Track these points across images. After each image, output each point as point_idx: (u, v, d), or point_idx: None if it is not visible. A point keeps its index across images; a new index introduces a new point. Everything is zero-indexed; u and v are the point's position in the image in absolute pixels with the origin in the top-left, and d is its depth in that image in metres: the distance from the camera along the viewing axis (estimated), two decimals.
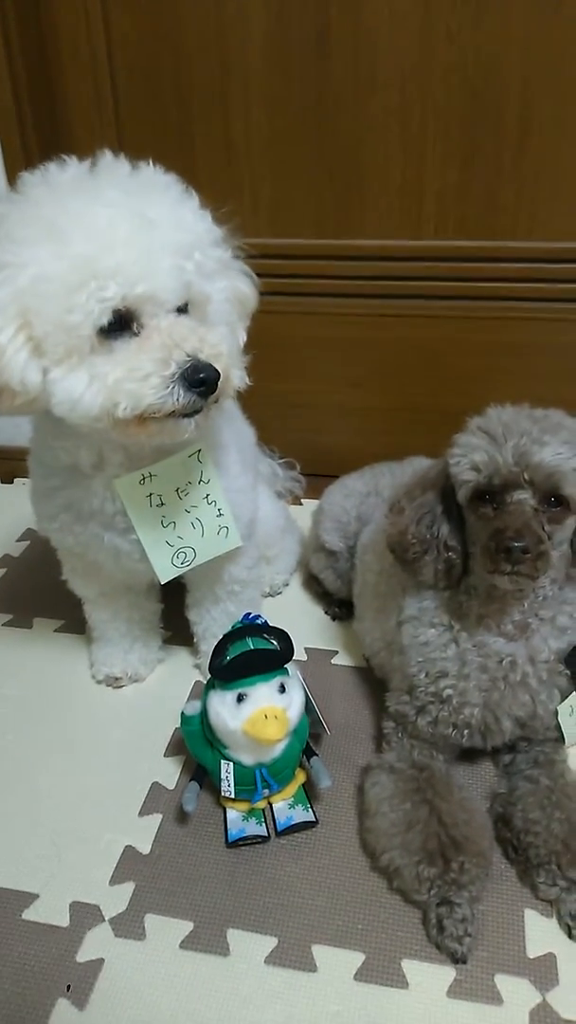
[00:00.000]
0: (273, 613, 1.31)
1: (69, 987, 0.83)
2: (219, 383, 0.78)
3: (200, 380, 0.76)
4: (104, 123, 1.48)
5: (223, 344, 0.82)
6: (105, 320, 0.76)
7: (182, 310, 0.82)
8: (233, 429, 1.10)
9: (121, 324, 0.77)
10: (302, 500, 1.63)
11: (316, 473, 1.63)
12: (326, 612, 1.36)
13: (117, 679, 1.20)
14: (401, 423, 1.61)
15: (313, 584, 1.39)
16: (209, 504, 1.00)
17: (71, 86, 1.45)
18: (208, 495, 1.00)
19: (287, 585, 1.43)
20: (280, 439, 1.62)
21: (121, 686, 1.20)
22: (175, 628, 1.26)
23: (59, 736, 1.13)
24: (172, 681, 1.22)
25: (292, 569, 1.43)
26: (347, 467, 1.37)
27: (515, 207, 1.40)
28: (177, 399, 0.77)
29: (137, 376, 0.76)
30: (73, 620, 1.28)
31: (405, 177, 1.42)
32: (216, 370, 0.78)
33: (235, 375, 0.84)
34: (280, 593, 1.42)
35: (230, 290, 0.87)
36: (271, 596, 1.40)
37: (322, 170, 1.44)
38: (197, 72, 1.40)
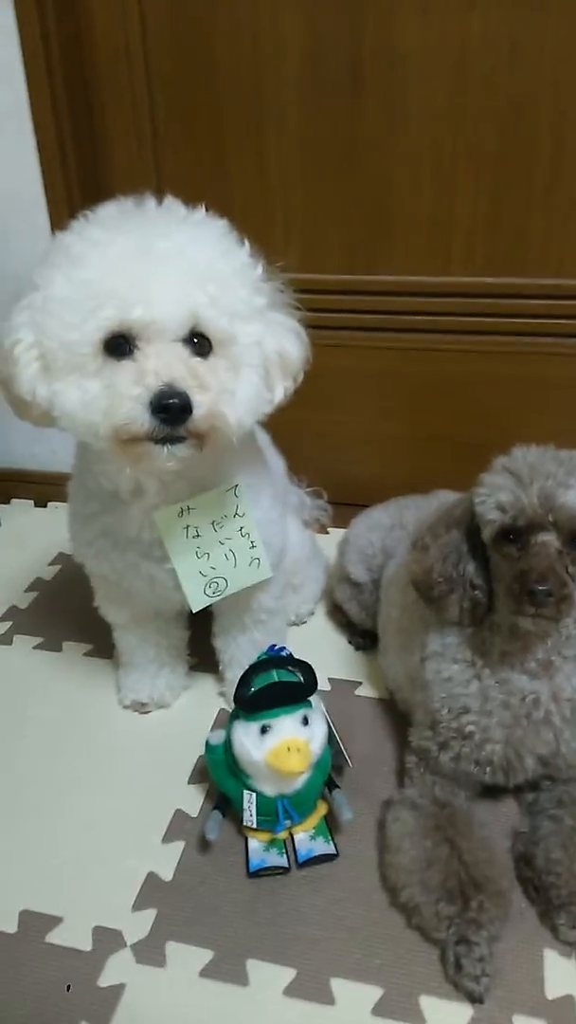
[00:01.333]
0: (297, 642, 1.34)
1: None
2: (194, 417, 0.78)
3: (163, 407, 0.77)
4: (143, 160, 1.52)
5: (228, 384, 0.83)
6: (99, 338, 0.79)
7: (199, 343, 0.82)
8: (266, 462, 1.12)
9: (120, 347, 0.80)
10: (328, 529, 1.64)
11: (342, 502, 1.64)
12: (350, 642, 1.37)
13: (143, 705, 1.22)
14: (427, 454, 1.62)
15: (337, 614, 1.40)
16: (243, 536, 1.03)
17: (112, 125, 1.50)
18: (242, 527, 1.02)
19: (312, 614, 1.44)
20: (307, 468, 1.64)
21: (147, 712, 1.22)
22: (201, 655, 1.28)
23: (85, 760, 1.15)
24: (197, 708, 1.24)
25: (317, 598, 1.44)
26: (373, 496, 1.39)
27: (544, 243, 1.42)
28: (143, 423, 0.77)
29: (110, 394, 0.78)
30: (102, 645, 1.31)
31: (435, 214, 1.44)
32: (183, 400, 0.77)
33: (231, 417, 0.83)
34: (305, 622, 1.43)
35: (271, 344, 0.88)
36: (296, 625, 1.42)
37: (353, 206, 1.47)
38: (232, 109, 1.44)
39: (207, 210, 0.89)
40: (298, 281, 1.53)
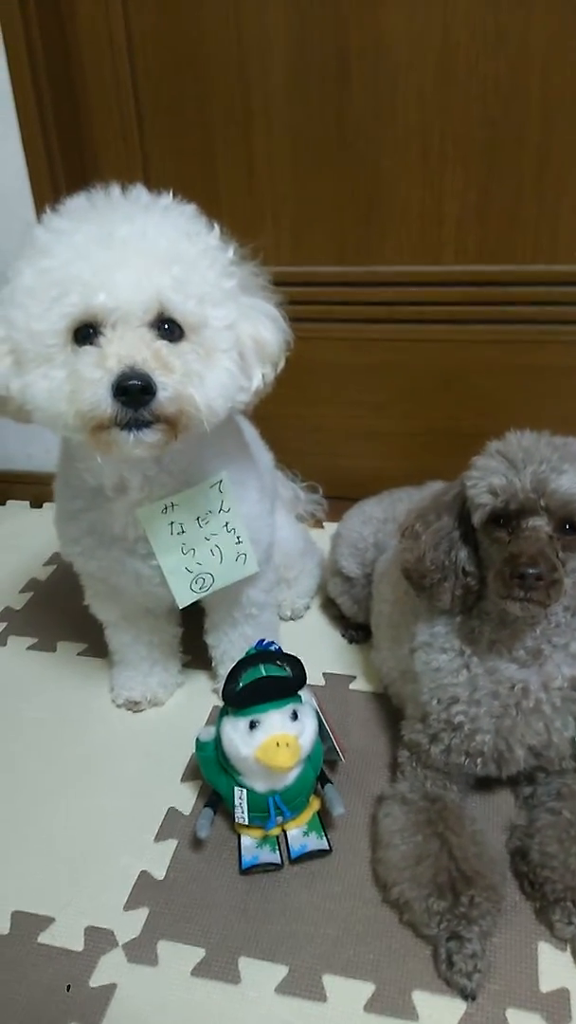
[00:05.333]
0: (292, 637, 1.33)
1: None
2: (159, 399, 0.77)
3: (123, 388, 0.75)
4: (130, 154, 1.52)
5: (195, 367, 0.81)
6: (64, 327, 0.78)
7: (169, 328, 0.81)
8: (252, 456, 1.11)
9: (88, 335, 0.79)
10: (324, 523, 1.63)
11: (338, 496, 1.63)
12: (343, 635, 1.36)
13: (136, 703, 1.21)
14: (422, 446, 1.61)
15: (331, 607, 1.39)
16: (228, 532, 1.02)
17: (97, 116, 1.49)
18: (228, 523, 1.01)
19: (308, 608, 1.43)
20: (302, 463, 1.63)
21: (140, 710, 1.22)
22: (194, 652, 1.28)
23: (79, 760, 1.15)
24: (191, 705, 1.23)
25: (312, 592, 1.44)
26: (369, 490, 1.38)
27: (536, 231, 1.41)
28: (106, 407, 0.76)
29: (73, 380, 0.78)
30: (96, 644, 1.30)
31: (425, 203, 1.43)
32: (145, 380, 0.75)
33: (199, 400, 0.81)
34: (301, 617, 1.42)
35: (245, 329, 0.87)
36: (292, 620, 1.41)
37: (342, 197, 1.45)
38: (219, 101, 1.43)
39: (191, 202, 0.88)
40: (288, 274, 1.54)
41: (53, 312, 0.78)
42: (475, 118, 1.34)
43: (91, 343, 0.78)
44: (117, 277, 0.77)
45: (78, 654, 1.35)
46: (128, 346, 0.76)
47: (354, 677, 1.27)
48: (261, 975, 0.87)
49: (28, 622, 1.43)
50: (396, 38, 1.31)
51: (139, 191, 0.86)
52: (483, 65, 1.30)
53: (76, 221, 0.81)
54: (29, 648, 1.37)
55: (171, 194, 0.87)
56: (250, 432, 1.17)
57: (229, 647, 1.19)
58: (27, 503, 1.81)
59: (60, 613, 1.43)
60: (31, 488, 1.79)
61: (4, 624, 1.43)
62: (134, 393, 0.75)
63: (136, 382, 0.75)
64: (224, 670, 1.20)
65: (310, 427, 1.66)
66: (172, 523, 0.97)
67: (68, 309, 0.77)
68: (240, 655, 1.07)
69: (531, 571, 0.81)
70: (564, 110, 1.30)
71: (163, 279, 0.79)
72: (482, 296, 1.47)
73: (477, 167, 1.38)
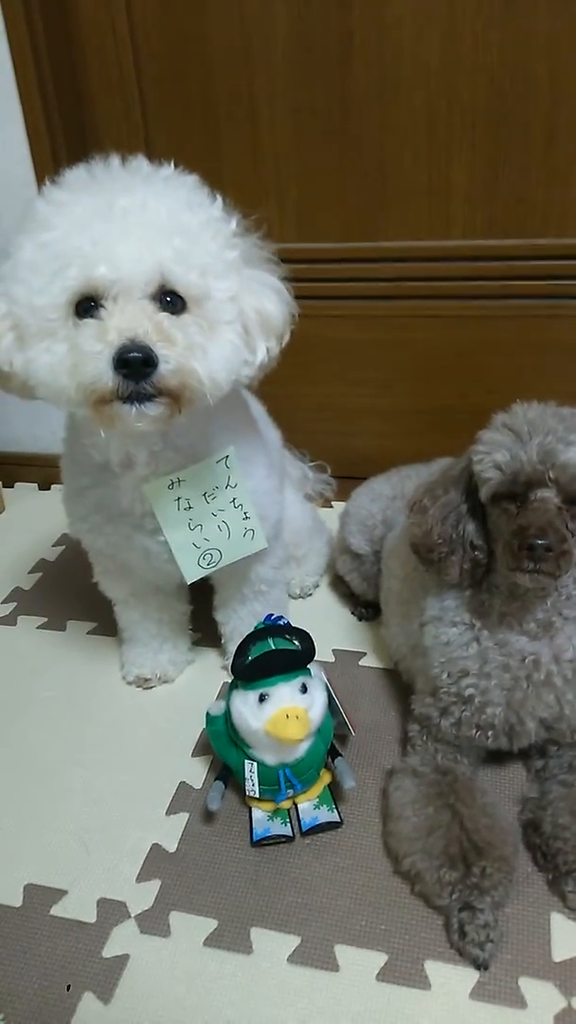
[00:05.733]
0: (302, 614, 1.33)
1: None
2: (160, 372, 0.76)
3: (124, 361, 0.74)
4: (133, 133, 1.50)
5: (198, 339, 0.80)
6: (65, 300, 0.78)
7: (172, 301, 0.80)
8: (260, 432, 1.11)
9: (90, 309, 0.78)
10: (332, 503, 1.63)
11: (347, 475, 1.63)
12: (353, 612, 1.36)
13: (147, 680, 1.21)
14: (431, 424, 1.60)
15: (340, 585, 1.39)
16: (236, 508, 1.02)
17: (99, 98, 1.48)
18: (235, 499, 1.01)
19: (317, 587, 1.43)
20: (310, 442, 1.63)
21: (151, 687, 1.22)
22: (204, 630, 1.28)
23: (90, 736, 1.15)
24: (201, 682, 1.23)
25: (321, 570, 1.43)
26: (378, 469, 1.37)
27: (545, 204, 1.39)
28: (107, 380, 0.76)
29: (74, 354, 0.77)
30: (105, 623, 1.31)
31: (431, 177, 1.41)
32: (146, 352, 0.74)
33: (202, 373, 0.80)
34: (311, 595, 1.42)
35: (249, 301, 0.86)
36: (301, 598, 1.41)
37: (348, 172, 1.44)
38: (222, 79, 1.42)
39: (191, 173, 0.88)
40: (293, 251, 1.52)
41: (54, 286, 0.77)
42: (481, 88, 1.32)
43: (93, 316, 0.78)
44: (118, 249, 0.76)
45: (87, 633, 1.35)
46: (129, 319, 0.76)
47: (364, 653, 1.27)
48: (273, 945, 0.87)
49: (38, 602, 1.43)
50: (401, 9, 1.29)
51: (140, 162, 0.85)
52: (488, 35, 1.28)
53: (76, 193, 0.80)
54: (39, 627, 1.37)
55: (172, 164, 0.86)
56: (257, 409, 1.16)
57: (239, 624, 1.19)
58: (35, 485, 1.81)
59: (69, 593, 1.43)
60: (39, 470, 1.79)
61: (14, 604, 1.43)
62: (135, 366, 0.75)
63: (137, 354, 0.74)
64: (234, 647, 1.20)
65: (318, 406, 1.65)
66: (179, 499, 0.97)
67: (69, 282, 0.77)
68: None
69: (540, 542, 0.80)
70: (571, 78, 1.28)
71: (165, 251, 0.78)
72: (490, 271, 1.45)
73: (485, 140, 1.36)
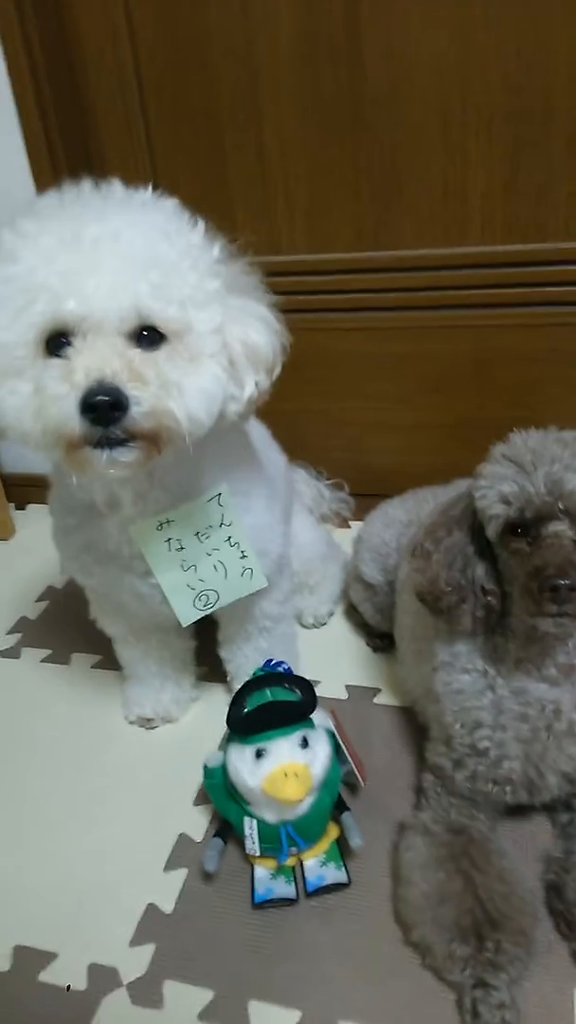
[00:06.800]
0: (314, 646, 1.27)
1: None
2: (132, 415, 0.70)
3: (90, 405, 0.69)
4: (136, 143, 1.45)
5: (172, 376, 0.74)
6: (33, 337, 0.72)
7: (148, 336, 0.74)
8: (259, 462, 1.04)
9: (59, 344, 0.72)
10: (350, 523, 1.56)
11: (365, 493, 1.56)
12: (367, 644, 1.29)
13: (149, 720, 1.16)
14: (451, 439, 1.52)
15: (355, 613, 1.32)
16: (232, 546, 0.96)
17: (100, 108, 1.43)
18: (230, 537, 0.95)
19: (331, 615, 1.37)
20: (325, 459, 1.56)
21: (153, 727, 1.17)
22: (211, 665, 1.22)
23: (90, 782, 1.10)
24: (206, 722, 1.18)
25: (336, 598, 1.37)
26: (396, 486, 1.31)
27: (568, 205, 1.30)
28: (74, 425, 0.70)
29: (39, 396, 0.71)
30: (110, 656, 1.25)
31: (447, 179, 1.33)
32: (114, 396, 0.69)
33: (179, 413, 0.74)
34: (325, 624, 1.35)
35: (234, 332, 0.79)
36: (315, 627, 1.35)
37: (359, 177, 1.37)
38: (225, 83, 1.35)
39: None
40: (304, 263, 1.46)
41: (20, 322, 0.72)
42: (497, 83, 1.24)
43: (61, 355, 0.72)
44: (88, 282, 0.70)
45: (92, 666, 1.30)
46: (97, 357, 0.70)
47: (379, 690, 1.20)
48: (272, 1021, 0.81)
49: (43, 633, 1.39)
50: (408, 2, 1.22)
51: (114, 186, 0.79)
52: (504, 22, 1.20)
53: (44, 221, 0.74)
54: (43, 660, 1.33)
55: (152, 188, 0.80)
56: (260, 434, 1.10)
57: (244, 662, 1.13)
58: (47, 507, 1.77)
59: (75, 623, 1.38)
60: (46, 492, 1.74)
61: (19, 635, 1.39)
62: (103, 410, 0.69)
63: (104, 398, 0.68)
64: (239, 685, 1.14)
65: (333, 422, 1.58)
66: (169, 539, 0.91)
67: (35, 318, 0.71)
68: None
69: (563, 583, 0.73)
70: None
71: (140, 286, 0.72)
72: (512, 278, 1.37)
73: (503, 138, 1.28)
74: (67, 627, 1.39)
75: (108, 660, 1.28)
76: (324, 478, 1.56)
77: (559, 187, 1.29)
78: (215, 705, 1.21)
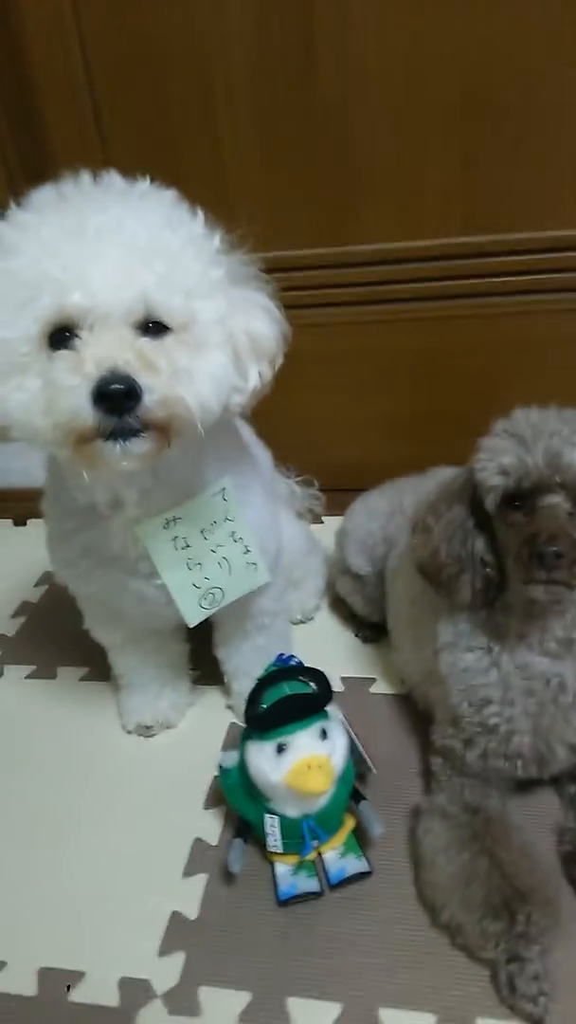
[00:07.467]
0: (303, 641, 1.27)
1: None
2: (145, 403, 0.69)
3: (104, 394, 0.67)
4: (89, 151, 1.42)
5: (183, 364, 0.73)
6: (37, 332, 0.70)
7: (154, 327, 0.73)
8: (253, 457, 1.04)
9: (66, 340, 0.71)
10: (323, 518, 1.57)
11: (334, 488, 1.57)
12: (357, 635, 1.30)
13: (148, 728, 1.15)
14: (422, 431, 1.54)
15: (341, 606, 1.33)
16: (236, 541, 0.95)
17: (52, 116, 1.40)
18: (234, 532, 0.95)
19: (318, 609, 1.37)
20: (294, 456, 1.56)
21: (153, 735, 1.15)
22: (204, 667, 1.21)
23: (93, 795, 1.08)
24: (205, 725, 1.17)
25: (321, 592, 1.37)
26: (365, 480, 1.32)
27: (524, 196, 1.34)
28: (87, 417, 0.68)
29: (49, 390, 0.70)
30: (98, 667, 1.23)
31: (403, 175, 1.35)
32: (128, 384, 0.68)
33: (190, 400, 0.73)
34: (312, 619, 1.36)
35: (237, 322, 0.79)
36: (303, 623, 1.35)
37: (316, 177, 1.38)
38: (179, 90, 1.34)
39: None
40: (263, 260, 1.46)
41: (24, 317, 0.70)
42: (450, 80, 1.26)
43: (67, 347, 0.70)
44: (93, 273, 0.69)
45: (80, 679, 1.28)
46: (107, 347, 0.68)
47: (374, 679, 1.21)
48: (314, 1016, 0.81)
49: (24, 649, 1.36)
50: (362, 4, 1.23)
51: (112, 177, 0.78)
52: (456, 24, 1.22)
53: (43, 214, 0.72)
54: (27, 677, 1.30)
55: (148, 179, 0.79)
56: (247, 432, 1.10)
57: (242, 661, 1.13)
58: (10, 522, 1.73)
59: (57, 636, 1.36)
60: (14, 505, 1.70)
61: None
62: (117, 399, 0.67)
63: (119, 386, 0.67)
64: (239, 685, 1.14)
65: (300, 418, 1.58)
66: (175, 538, 0.90)
67: (40, 312, 0.69)
68: (254, 668, 1.01)
69: (551, 549, 0.76)
70: (543, 64, 1.23)
71: (147, 276, 0.71)
72: (471, 269, 1.40)
73: (457, 134, 1.30)
74: (48, 641, 1.36)
75: (96, 671, 1.26)
76: (294, 475, 1.56)
77: (515, 179, 1.32)
78: (212, 707, 1.20)
